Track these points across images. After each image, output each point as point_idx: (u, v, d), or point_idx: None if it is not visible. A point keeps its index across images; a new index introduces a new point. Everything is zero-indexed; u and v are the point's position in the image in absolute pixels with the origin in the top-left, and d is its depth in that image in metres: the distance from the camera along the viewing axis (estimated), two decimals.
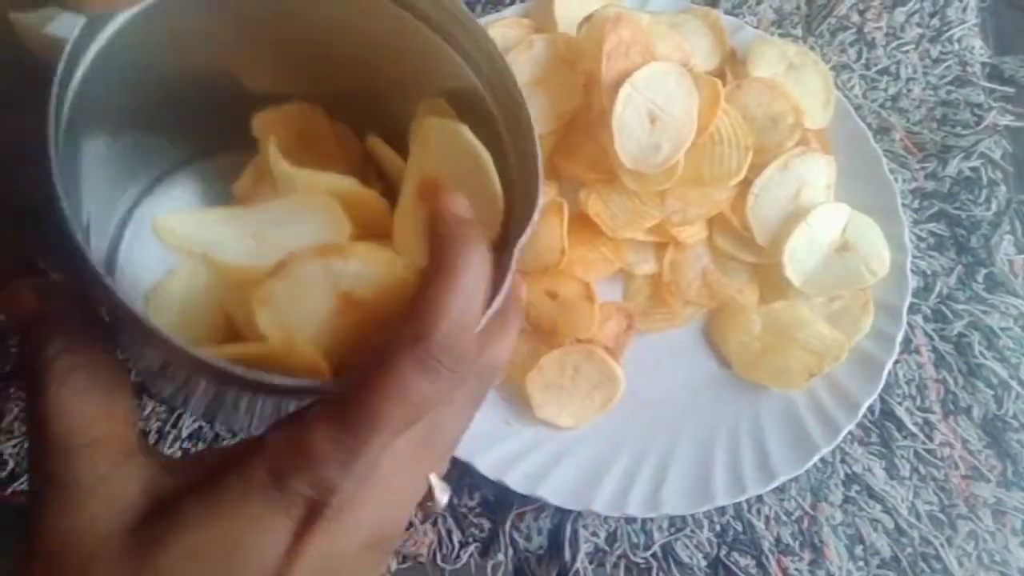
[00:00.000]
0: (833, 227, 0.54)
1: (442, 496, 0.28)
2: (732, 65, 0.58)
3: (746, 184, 0.53)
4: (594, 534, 0.50)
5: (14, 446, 0.47)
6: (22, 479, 0.46)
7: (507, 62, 0.32)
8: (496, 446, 0.49)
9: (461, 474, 0.49)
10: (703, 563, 0.50)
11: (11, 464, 0.47)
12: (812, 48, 0.66)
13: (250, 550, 0.22)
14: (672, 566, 0.50)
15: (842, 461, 0.53)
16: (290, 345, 0.26)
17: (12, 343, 0.50)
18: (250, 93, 0.37)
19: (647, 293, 0.55)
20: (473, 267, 0.24)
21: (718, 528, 0.51)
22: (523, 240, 0.29)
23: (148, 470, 0.24)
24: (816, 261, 0.53)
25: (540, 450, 0.49)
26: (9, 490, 0.46)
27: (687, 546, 0.50)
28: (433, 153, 0.32)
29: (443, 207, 0.27)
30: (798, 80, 0.57)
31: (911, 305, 0.54)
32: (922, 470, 0.54)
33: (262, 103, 0.37)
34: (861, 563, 0.51)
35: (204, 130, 0.38)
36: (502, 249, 0.30)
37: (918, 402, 0.56)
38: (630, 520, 0.50)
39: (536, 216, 0.29)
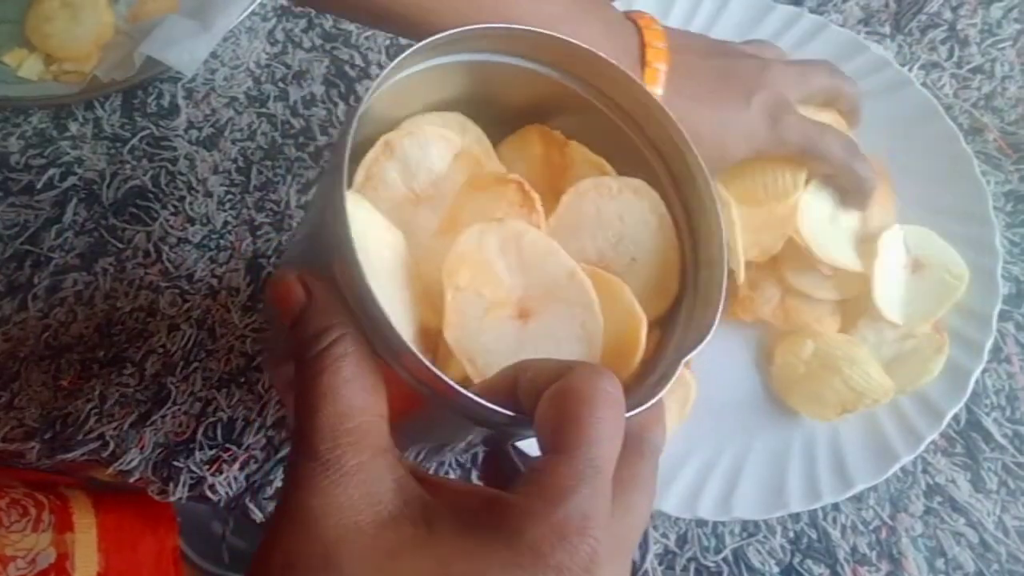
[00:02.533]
0: (897, 250, 0.51)
1: None
2: None
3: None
4: (664, 535, 0.50)
5: (115, 428, 0.50)
6: (121, 459, 0.49)
7: (700, 160, 0.30)
8: None
9: None
10: (775, 569, 0.49)
11: (112, 446, 0.50)
12: (900, 46, 0.64)
13: None
14: (744, 571, 0.49)
15: (924, 471, 0.52)
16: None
17: (114, 331, 0.53)
18: None
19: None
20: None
21: (792, 535, 0.50)
22: (691, 355, 0.28)
23: (399, 469, 0.24)
24: (901, 291, 0.51)
25: None
26: (111, 469, 0.49)
27: (759, 551, 0.50)
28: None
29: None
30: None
31: (1002, 312, 0.52)
32: (1011, 484, 0.52)
33: None
34: None
35: None
36: (664, 326, 0.30)
37: (1008, 413, 0.53)
38: (701, 523, 0.50)
39: (710, 335, 0.28)
